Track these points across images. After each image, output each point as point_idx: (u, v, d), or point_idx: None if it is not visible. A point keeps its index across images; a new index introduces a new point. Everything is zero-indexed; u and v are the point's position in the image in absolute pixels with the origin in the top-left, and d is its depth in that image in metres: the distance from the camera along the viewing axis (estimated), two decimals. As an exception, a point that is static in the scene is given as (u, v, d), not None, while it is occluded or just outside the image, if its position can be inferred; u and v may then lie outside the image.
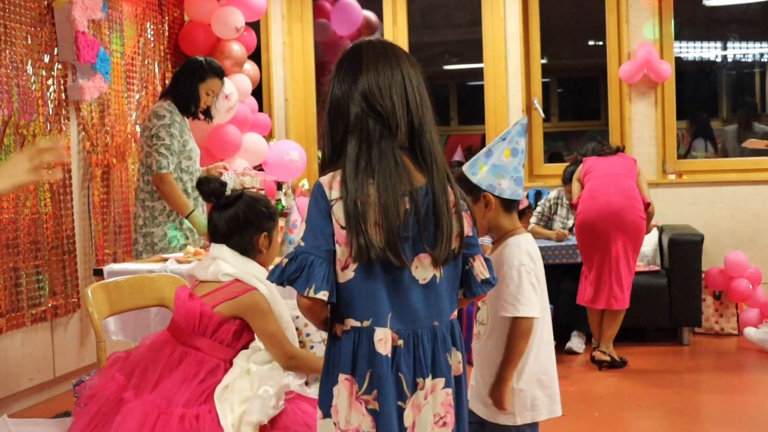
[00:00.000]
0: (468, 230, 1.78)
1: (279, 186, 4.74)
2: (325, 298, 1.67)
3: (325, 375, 1.75)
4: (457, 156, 9.15)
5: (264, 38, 6.36)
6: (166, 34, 5.49)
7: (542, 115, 6.17)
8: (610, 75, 6.00)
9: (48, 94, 4.30)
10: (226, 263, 2.47)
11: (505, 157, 2.29)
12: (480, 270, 1.80)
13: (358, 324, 1.71)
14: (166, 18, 5.49)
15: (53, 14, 4.35)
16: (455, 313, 1.81)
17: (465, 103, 10.20)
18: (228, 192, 2.53)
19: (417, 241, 1.71)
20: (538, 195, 5.88)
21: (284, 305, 2.51)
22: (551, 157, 5.80)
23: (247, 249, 2.53)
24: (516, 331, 2.22)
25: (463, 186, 2.26)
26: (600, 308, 4.63)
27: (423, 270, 1.73)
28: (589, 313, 4.72)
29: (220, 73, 4.25)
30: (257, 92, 6.01)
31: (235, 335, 2.40)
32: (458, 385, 1.78)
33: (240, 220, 2.51)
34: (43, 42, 4.28)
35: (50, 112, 4.31)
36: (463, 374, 1.80)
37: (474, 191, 2.29)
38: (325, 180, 1.72)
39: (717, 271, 5.31)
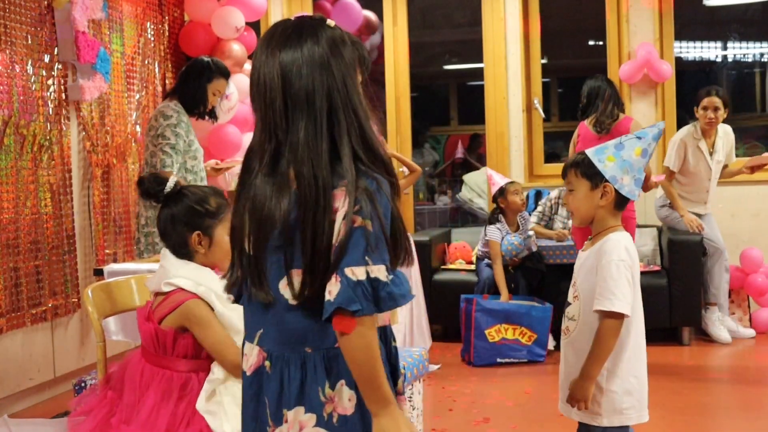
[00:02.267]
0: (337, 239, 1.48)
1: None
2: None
3: None
4: (459, 153, 9.16)
5: (264, 38, 6.36)
6: (166, 34, 5.49)
7: (542, 115, 6.17)
8: (610, 75, 5.99)
9: (48, 94, 4.30)
10: (168, 270, 2.35)
11: (635, 154, 2.29)
12: (328, 290, 1.45)
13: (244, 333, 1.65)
14: (166, 18, 5.49)
15: (53, 14, 4.35)
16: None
17: (465, 103, 10.21)
18: (167, 190, 2.39)
19: (286, 255, 1.51)
20: (538, 195, 5.88)
21: (235, 309, 2.38)
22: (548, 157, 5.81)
23: (183, 250, 2.39)
24: (606, 328, 2.18)
25: (583, 170, 2.28)
26: None
27: (293, 289, 1.52)
28: None
29: (227, 74, 4.26)
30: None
31: (195, 345, 2.27)
32: (346, 427, 1.52)
33: (171, 219, 2.39)
34: (43, 42, 4.28)
35: (50, 112, 4.31)
36: (359, 416, 1.52)
37: (595, 178, 2.29)
38: None
39: (732, 269, 5.33)
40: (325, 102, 1.50)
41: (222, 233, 2.39)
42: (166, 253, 2.41)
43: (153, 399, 2.22)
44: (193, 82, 4.17)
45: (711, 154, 5.22)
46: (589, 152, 2.33)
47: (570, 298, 2.33)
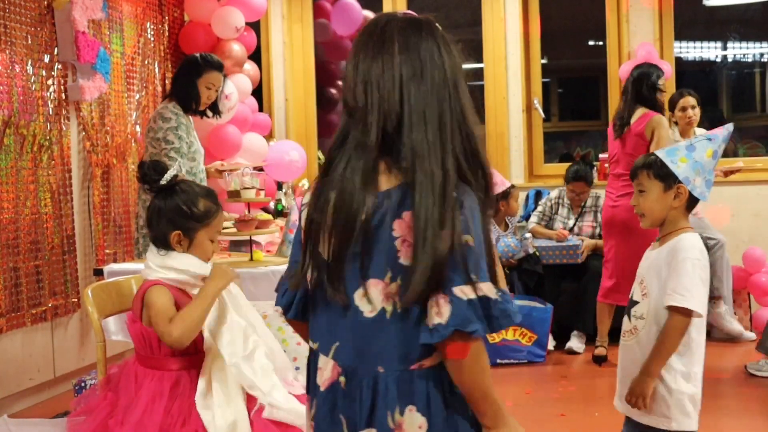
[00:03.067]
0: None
1: (279, 186, 4.75)
2: (278, 314, 1.56)
3: None
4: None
5: (264, 38, 6.36)
6: (166, 34, 5.49)
7: (542, 115, 6.17)
8: (610, 75, 6.00)
9: (48, 94, 4.30)
10: (149, 265, 2.35)
11: (707, 156, 2.31)
12: (431, 313, 1.35)
13: (312, 344, 1.52)
14: (166, 18, 5.49)
15: (53, 14, 4.35)
16: (426, 362, 1.42)
17: (465, 103, 10.19)
18: (163, 182, 2.39)
19: (363, 262, 1.39)
20: (538, 195, 5.88)
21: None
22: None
23: (162, 245, 2.37)
24: (674, 324, 2.17)
25: (656, 171, 2.29)
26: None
27: (369, 300, 1.41)
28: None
29: (218, 66, 4.19)
30: (257, 92, 6.01)
31: None
32: None
33: (157, 211, 2.38)
34: (43, 42, 4.28)
35: (50, 112, 4.31)
36: None
37: (668, 179, 2.30)
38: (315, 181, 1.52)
39: (735, 269, 5.33)
40: (437, 103, 1.42)
41: (204, 237, 2.39)
42: (149, 249, 2.41)
43: (145, 400, 2.22)
44: (182, 80, 4.14)
45: None
46: (661, 153, 2.34)
47: (638, 297, 2.32)
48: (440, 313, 1.34)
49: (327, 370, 1.46)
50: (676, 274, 2.20)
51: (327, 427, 1.46)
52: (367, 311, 1.40)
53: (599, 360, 4.71)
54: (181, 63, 4.33)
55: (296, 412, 2.23)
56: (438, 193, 1.35)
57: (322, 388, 1.46)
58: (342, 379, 1.44)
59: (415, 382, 1.40)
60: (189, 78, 4.13)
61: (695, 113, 5.29)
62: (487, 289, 1.37)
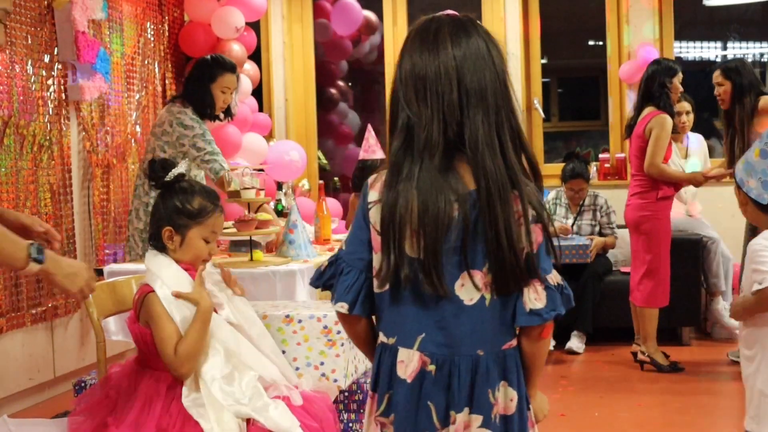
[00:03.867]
0: (533, 246, 1.51)
1: (279, 186, 4.75)
2: (343, 310, 1.58)
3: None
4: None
5: (264, 38, 6.36)
6: (166, 34, 5.49)
7: (542, 115, 6.17)
8: (610, 75, 6.00)
9: (48, 94, 4.30)
10: (151, 271, 2.33)
11: (755, 156, 2.30)
12: (529, 297, 1.51)
13: (385, 340, 1.58)
14: (166, 18, 5.49)
15: (53, 14, 4.35)
16: (513, 342, 1.57)
17: (465, 103, 10.19)
18: (167, 178, 2.37)
19: (465, 255, 1.49)
20: (538, 195, 5.88)
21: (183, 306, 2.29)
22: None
23: (156, 242, 2.36)
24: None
25: (737, 182, 2.36)
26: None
27: (469, 289, 1.51)
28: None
29: (231, 68, 4.01)
30: (257, 92, 6.01)
31: None
32: (506, 427, 1.55)
33: (156, 207, 2.38)
34: (43, 42, 4.28)
35: (50, 112, 4.31)
36: (517, 415, 1.56)
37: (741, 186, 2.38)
38: (371, 179, 1.57)
39: (737, 267, 5.34)
40: (492, 98, 1.51)
41: (196, 235, 2.36)
42: (148, 255, 2.39)
43: (141, 399, 2.21)
44: (195, 85, 3.97)
45: (686, 157, 5.37)
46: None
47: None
48: (539, 298, 1.51)
49: (413, 362, 1.53)
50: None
51: (413, 415, 1.54)
52: (467, 300, 1.52)
53: (678, 367, 4.59)
54: (192, 66, 4.19)
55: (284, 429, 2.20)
56: (499, 197, 1.47)
57: (408, 380, 1.53)
58: (432, 367, 1.52)
59: (507, 361, 1.55)
60: (202, 83, 3.96)
61: (689, 119, 5.32)
62: (557, 275, 1.57)
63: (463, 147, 1.49)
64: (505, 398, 1.55)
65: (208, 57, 4.09)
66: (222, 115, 4.16)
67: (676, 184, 4.63)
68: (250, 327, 2.46)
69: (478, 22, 1.58)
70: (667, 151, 4.54)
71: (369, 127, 4.57)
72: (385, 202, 1.51)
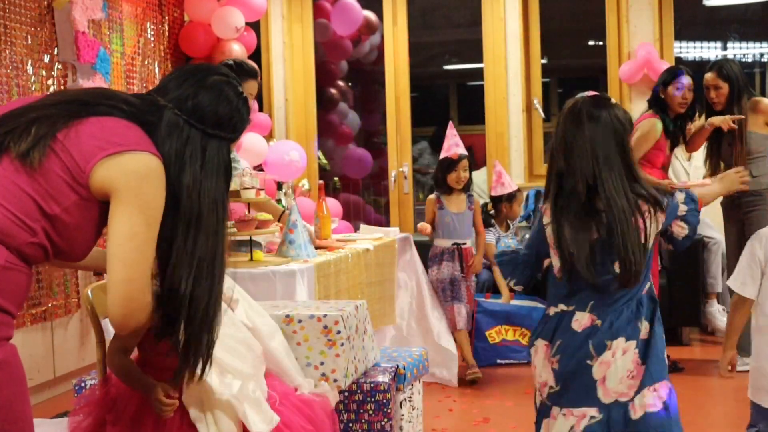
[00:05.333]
0: (652, 233, 2.23)
1: (279, 186, 4.75)
2: (512, 285, 2.52)
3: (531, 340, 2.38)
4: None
5: (264, 38, 6.36)
6: (166, 34, 5.49)
7: (542, 115, 6.18)
8: (610, 75, 6.00)
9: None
10: None
11: None
12: (678, 231, 2.34)
13: (565, 308, 2.28)
14: (166, 18, 5.50)
15: (53, 14, 4.36)
16: (645, 288, 2.27)
17: (465, 103, 10.20)
18: None
19: (609, 253, 2.21)
20: (538, 195, 5.88)
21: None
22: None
23: None
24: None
25: None
26: None
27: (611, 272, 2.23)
28: None
29: (254, 74, 3.98)
30: (257, 92, 6.00)
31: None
32: (645, 347, 2.24)
33: None
34: (43, 42, 4.28)
35: (50, 112, 4.30)
36: (649, 339, 2.25)
37: None
38: (542, 207, 2.34)
39: None
40: (618, 157, 2.22)
41: None
42: None
43: (139, 399, 2.21)
44: None
45: (689, 159, 5.36)
46: None
47: None
48: (682, 231, 2.38)
49: (584, 319, 2.24)
50: None
51: (577, 352, 2.23)
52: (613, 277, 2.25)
53: (678, 367, 4.58)
54: None
55: None
56: (625, 221, 2.19)
57: (579, 330, 2.24)
58: (598, 322, 2.23)
59: (643, 302, 2.27)
60: None
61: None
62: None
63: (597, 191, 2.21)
64: (644, 328, 2.23)
65: (231, 62, 4.00)
66: None
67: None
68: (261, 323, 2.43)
69: (610, 97, 2.35)
70: (660, 155, 4.48)
71: (450, 124, 4.68)
72: (553, 228, 2.26)
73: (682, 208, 2.34)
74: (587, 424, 2.24)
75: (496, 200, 5.21)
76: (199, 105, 1.83)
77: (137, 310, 1.72)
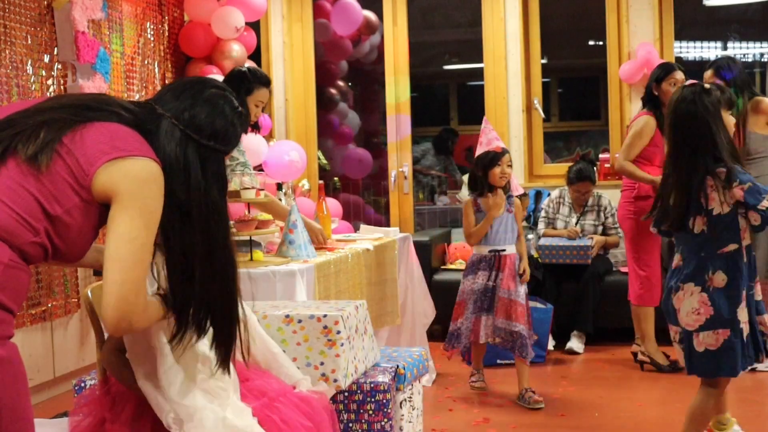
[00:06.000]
0: (723, 206, 2.79)
1: (279, 186, 4.74)
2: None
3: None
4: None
5: (264, 38, 6.36)
6: (166, 34, 5.49)
7: (542, 115, 6.18)
8: (610, 75, 6.00)
9: (48, 94, 4.30)
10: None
11: None
12: (753, 218, 2.79)
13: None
14: (166, 18, 5.50)
15: (53, 14, 4.36)
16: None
17: (465, 103, 10.21)
18: None
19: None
20: (539, 195, 5.88)
21: None
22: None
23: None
24: None
25: None
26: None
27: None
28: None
29: (267, 82, 3.95)
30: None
31: None
32: (714, 294, 2.84)
33: None
34: (43, 42, 4.28)
35: (50, 112, 4.30)
36: (723, 290, 2.82)
37: None
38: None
39: None
40: (698, 138, 2.85)
41: None
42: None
43: (137, 398, 2.21)
44: None
45: None
46: None
47: None
48: (755, 220, 2.88)
49: (675, 260, 2.94)
50: None
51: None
52: (694, 231, 2.87)
53: (678, 367, 4.46)
54: (226, 77, 4.03)
55: None
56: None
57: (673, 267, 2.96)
58: (681, 263, 2.90)
59: (713, 257, 2.82)
60: (238, 96, 3.88)
61: None
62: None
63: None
64: (717, 278, 2.82)
65: (245, 69, 3.96)
66: (250, 128, 4.07)
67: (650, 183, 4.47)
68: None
69: (706, 86, 2.89)
70: (657, 152, 4.47)
71: (485, 119, 4.43)
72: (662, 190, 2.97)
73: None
74: None
75: None
76: (196, 117, 1.89)
77: (130, 312, 1.74)
